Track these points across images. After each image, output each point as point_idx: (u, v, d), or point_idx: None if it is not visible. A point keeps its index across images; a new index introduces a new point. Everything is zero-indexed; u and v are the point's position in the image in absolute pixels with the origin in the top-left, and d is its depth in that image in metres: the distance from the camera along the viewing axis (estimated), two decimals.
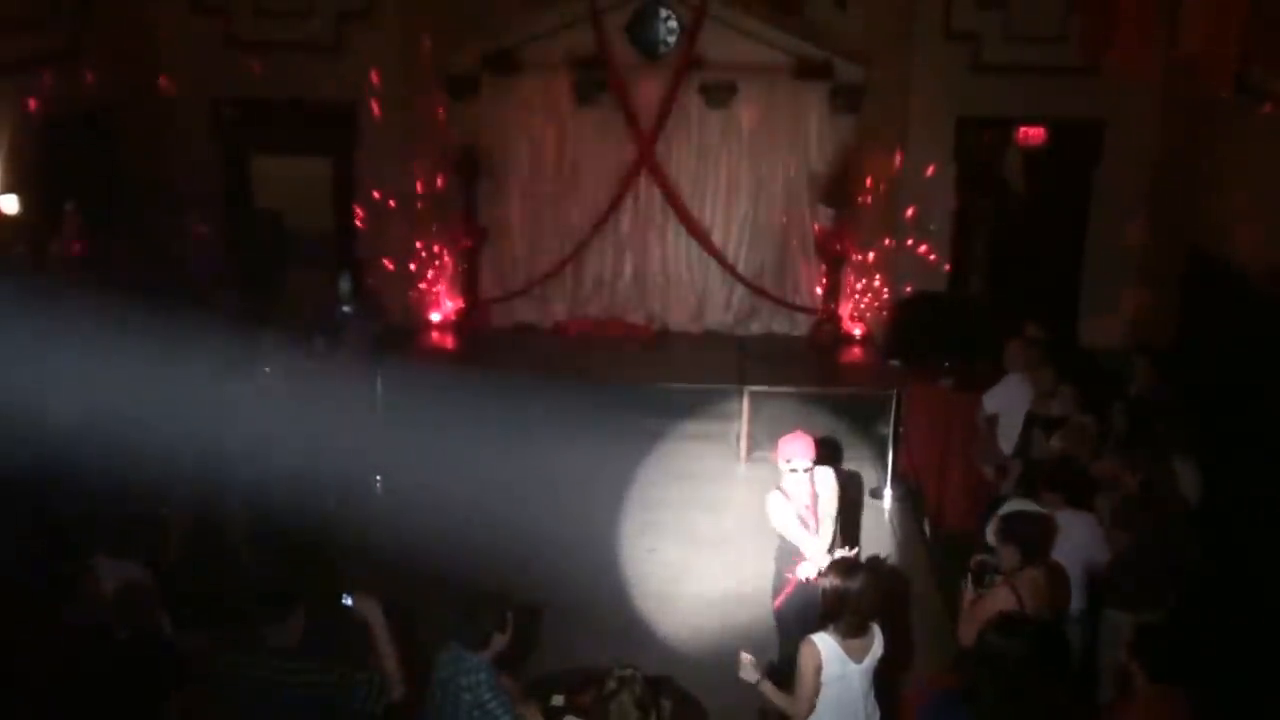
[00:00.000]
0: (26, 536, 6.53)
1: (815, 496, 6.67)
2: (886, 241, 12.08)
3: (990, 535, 6.02)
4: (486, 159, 12.11)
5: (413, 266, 12.22)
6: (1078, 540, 6.38)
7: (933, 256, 12.08)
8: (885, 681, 5.57)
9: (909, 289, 12.05)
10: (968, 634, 5.52)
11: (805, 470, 6.61)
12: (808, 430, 6.96)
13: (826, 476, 6.77)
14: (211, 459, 7.57)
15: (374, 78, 11.63)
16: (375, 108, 11.77)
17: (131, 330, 7.88)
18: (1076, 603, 6.33)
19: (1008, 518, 5.99)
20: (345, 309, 10.27)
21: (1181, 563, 6.52)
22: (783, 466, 6.64)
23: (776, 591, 6.78)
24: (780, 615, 6.77)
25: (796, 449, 6.63)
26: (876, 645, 5.42)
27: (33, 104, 10.02)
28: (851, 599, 5.24)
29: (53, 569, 5.98)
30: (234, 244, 12.24)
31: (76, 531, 6.30)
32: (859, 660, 5.33)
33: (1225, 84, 9.99)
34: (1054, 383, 8.12)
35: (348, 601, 5.00)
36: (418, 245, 12.19)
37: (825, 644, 5.28)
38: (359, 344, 10.20)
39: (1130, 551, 6.46)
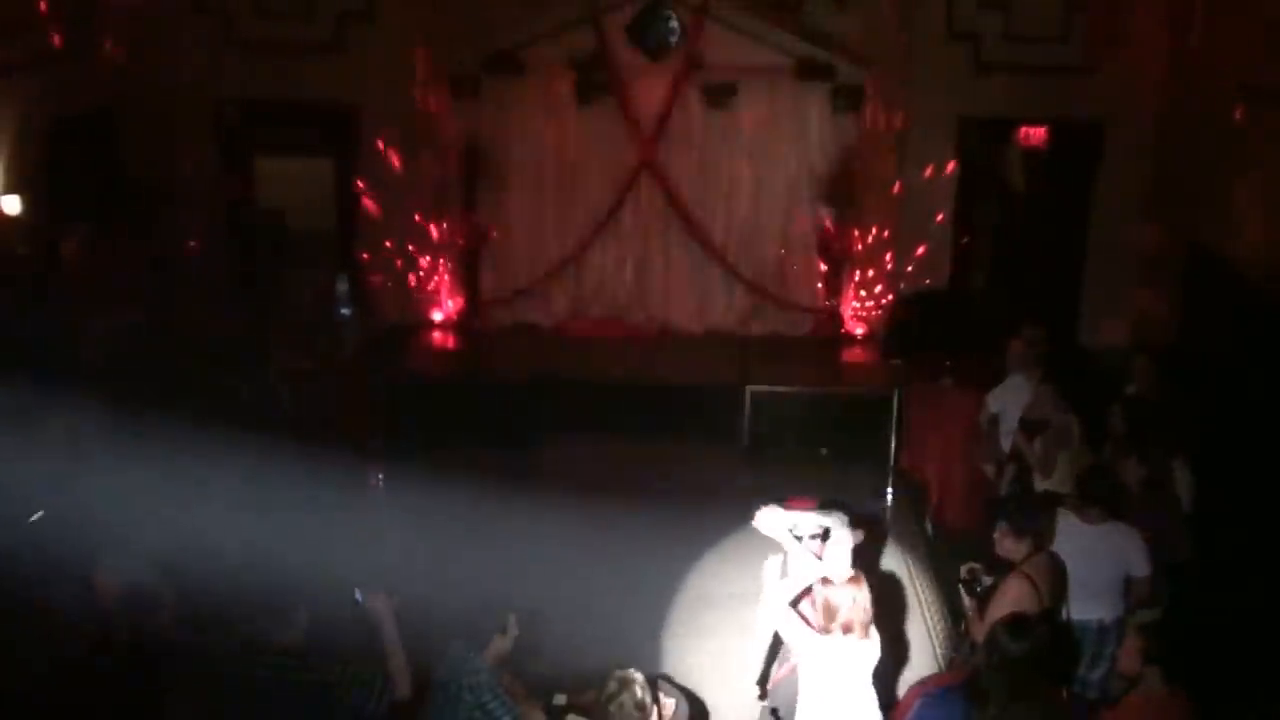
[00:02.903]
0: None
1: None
2: (887, 241, 12.09)
3: (995, 531, 6.02)
4: (487, 159, 12.12)
5: (414, 266, 12.23)
6: (1118, 551, 6.28)
7: (934, 256, 12.10)
8: (885, 682, 5.58)
9: (910, 288, 12.06)
10: (981, 630, 5.53)
11: (813, 537, 6.00)
12: (814, 495, 6.38)
13: (841, 541, 5.99)
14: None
15: (375, 78, 11.65)
16: (376, 108, 11.79)
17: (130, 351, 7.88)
18: (1114, 612, 6.32)
19: (1020, 512, 6.00)
20: (344, 311, 10.27)
21: (1176, 562, 6.55)
22: (788, 535, 6.01)
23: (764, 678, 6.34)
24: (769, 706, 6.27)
25: (802, 513, 6.07)
26: (874, 650, 5.41)
27: (35, 104, 10.03)
28: (846, 608, 5.27)
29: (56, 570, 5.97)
30: (235, 245, 12.27)
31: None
32: (855, 666, 5.34)
33: (1227, 84, 10.01)
34: (1038, 384, 8.10)
35: (358, 599, 5.01)
36: (419, 245, 12.20)
37: (825, 647, 5.31)
38: (358, 345, 10.22)
39: None
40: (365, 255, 12.19)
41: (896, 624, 7.69)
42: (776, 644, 6.21)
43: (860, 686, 5.36)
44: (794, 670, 5.88)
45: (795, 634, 5.49)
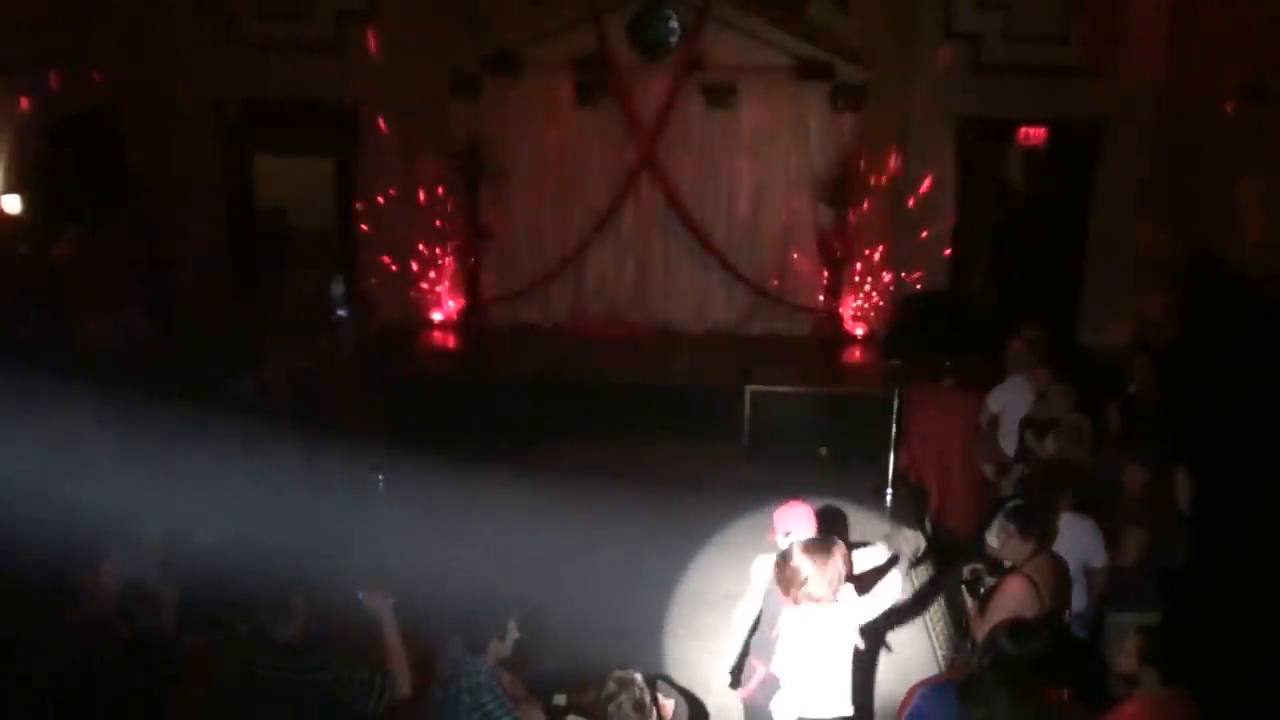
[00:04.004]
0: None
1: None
2: (887, 241, 12.10)
3: (1000, 532, 6.02)
4: (488, 159, 12.12)
5: (414, 266, 12.24)
6: (1079, 543, 6.36)
7: (934, 256, 12.11)
8: (885, 681, 5.58)
9: (910, 289, 12.07)
10: (982, 630, 5.55)
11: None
12: (808, 500, 6.27)
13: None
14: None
15: (375, 78, 11.65)
16: (377, 108, 11.80)
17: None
18: (1077, 603, 6.35)
19: (1024, 512, 6.01)
20: (340, 312, 10.30)
21: (1173, 564, 6.55)
22: (780, 541, 5.92)
23: (743, 676, 6.17)
24: (749, 709, 6.11)
25: (795, 518, 5.97)
26: (848, 613, 5.44)
27: (35, 104, 10.03)
28: (805, 574, 5.32)
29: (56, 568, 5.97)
30: (235, 245, 12.28)
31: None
32: (825, 631, 5.39)
33: (1227, 84, 10.02)
34: (1047, 382, 8.11)
35: (359, 598, 5.01)
36: (419, 245, 12.21)
37: (790, 615, 5.40)
38: (357, 345, 10.25)
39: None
40: (364, 255, 12.20)
41: (894, 624, 7.68)
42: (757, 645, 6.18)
43: (834, 654, 5.40)
44: (765, 683, 5.89)
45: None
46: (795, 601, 5.40)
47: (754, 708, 6.07)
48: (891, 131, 11.86)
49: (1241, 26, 9.98)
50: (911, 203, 11.95)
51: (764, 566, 6.02)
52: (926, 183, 11.92)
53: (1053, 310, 11.02)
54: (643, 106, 11.89)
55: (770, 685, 5.79)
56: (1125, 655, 5.10)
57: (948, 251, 12.18)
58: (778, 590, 5.79)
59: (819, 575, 5.34)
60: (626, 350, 12.03)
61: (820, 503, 6.45)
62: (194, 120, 11.90)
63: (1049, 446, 7.57)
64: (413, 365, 11.62)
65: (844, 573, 5.41)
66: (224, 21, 11.75)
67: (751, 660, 6.15)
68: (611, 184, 12.16)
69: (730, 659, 6.28)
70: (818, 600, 5.36)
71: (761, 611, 6.07)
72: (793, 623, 5.44)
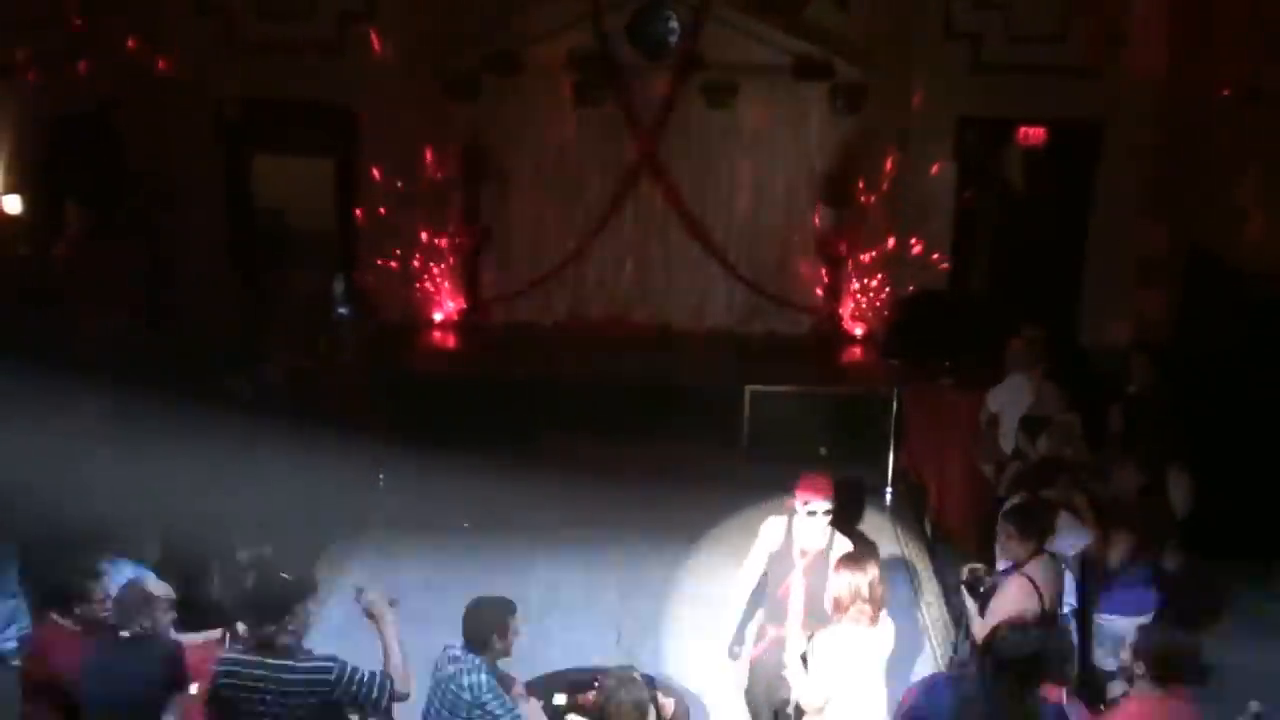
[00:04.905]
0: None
1: (823, 556, 5.86)
2: (887, 241, 12.10)
3: (999, 532, 6.03)
4: (488, 159, 12.13)
5: (414, 266, 12.24)
6: (1070, 540, 6.38)
7: (933, 256, 12.10)
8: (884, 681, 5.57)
9: (910, 288, 12.07)
10: (981, 630, 5.55)
11: (824, 513, 5.86)
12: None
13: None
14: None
15: (375, 78, 11.65)
16: (376, 108, 11.80)
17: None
18: (1068, 601, 6.35)
19: (1026, 511, 6.01)
20: (341, 311, 10.31)
21: (1165, 566, 6.56)
22: (799, 508, 5.91)
23: (747, 642, 6.17)
24: (757, 671, 6.12)
25: (814, 488, 5.91)
26: (887, 639, 5.42)
27: (36, 104, 10.03)
28: (863, 591, 5.26)
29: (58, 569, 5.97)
30: (235, 245, 12.28)
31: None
32: (868, 653, 5.34)
33: (1227, 84, 10.03)
34: (1040, 381, 8.11)
35: (359, 597, 5.02)
36: (419, 245, 12.21)
37: (836, 636, 5.32)
38: (358, 345, 10.26)
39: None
40: (364, 255, 12.20)
41: (896, 624, 7.67)
42: (753, 605, 6.17)
43: (868, 677, 5.35)
44: (773, 645, 5.89)
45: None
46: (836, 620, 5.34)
47: (762, 666, 6.04)
48: (891, 131, 11.86)
49: (1241, 26, 9.99)
50: (910, 203, 11.94)
51: (772, 528, 6.03)
52: (925, 182, 11.91)
53: (1053, 310, 11.02)
54: (643, 106, 11.91)
55: (779, 647, 5.77)
56: (1123, 654, 5.11)
57: (947, 251, 12.16)
58: (785, 553, 5.87)
59: (852, 590, 5.28)
60: (626, 350, 12.04)
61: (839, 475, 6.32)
62: (194, 120, 11.89)
63: (1040, 446, 7.58)
64: (413, 364, 11.63)
65: (880, 594, 5.34)
66: (224, 21, 11.73)
67: (761, 624, 6.13)
68: (611, 184, 12.18)
69: (729, 628, 6.20)
70: (864, 618, 5.29)
71: (767, 575, 6.05)
72: (830, 643, 5.36)
